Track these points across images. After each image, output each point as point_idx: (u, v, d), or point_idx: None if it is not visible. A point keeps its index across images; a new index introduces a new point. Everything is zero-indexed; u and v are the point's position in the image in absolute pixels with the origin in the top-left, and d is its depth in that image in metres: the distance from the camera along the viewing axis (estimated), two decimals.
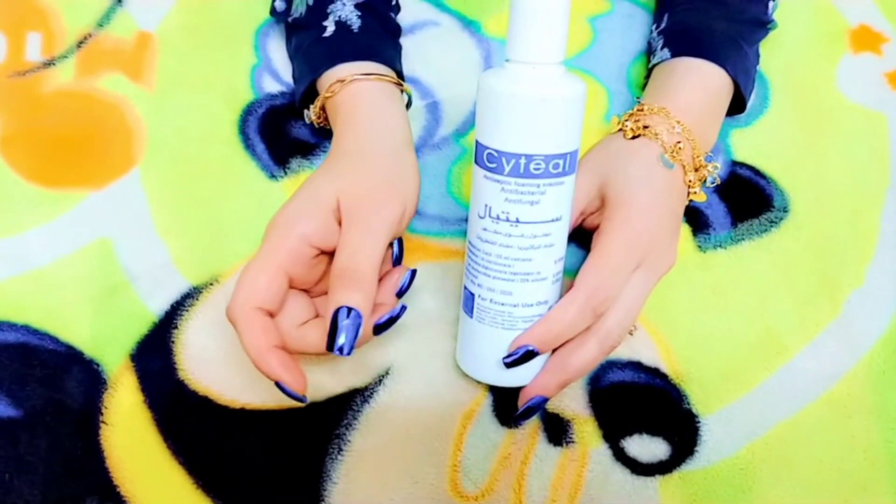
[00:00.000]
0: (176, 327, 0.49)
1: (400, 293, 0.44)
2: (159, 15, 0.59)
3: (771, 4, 0.53)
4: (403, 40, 0.55)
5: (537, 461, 0.47)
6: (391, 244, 0.45)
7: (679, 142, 0.47)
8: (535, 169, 0.39)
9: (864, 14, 0.62)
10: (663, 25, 0.53)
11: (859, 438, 0.48)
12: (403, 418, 0.47)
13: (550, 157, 0.39)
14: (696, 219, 0.53)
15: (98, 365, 0.48)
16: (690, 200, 0.49)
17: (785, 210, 0.54)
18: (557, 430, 0.47)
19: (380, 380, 0.48)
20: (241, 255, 0.51)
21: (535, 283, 0.42)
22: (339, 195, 0.42)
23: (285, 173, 0.54)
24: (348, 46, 0.50)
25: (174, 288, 0.50)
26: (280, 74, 0.57)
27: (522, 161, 0.39)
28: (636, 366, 0.49)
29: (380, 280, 0.43)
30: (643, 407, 0.48)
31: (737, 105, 0.53)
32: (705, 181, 0.49)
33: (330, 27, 0.50)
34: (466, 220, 0.52)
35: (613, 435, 0.48)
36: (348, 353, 0.39)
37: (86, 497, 0.45)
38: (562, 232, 0.42)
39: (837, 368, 0.50)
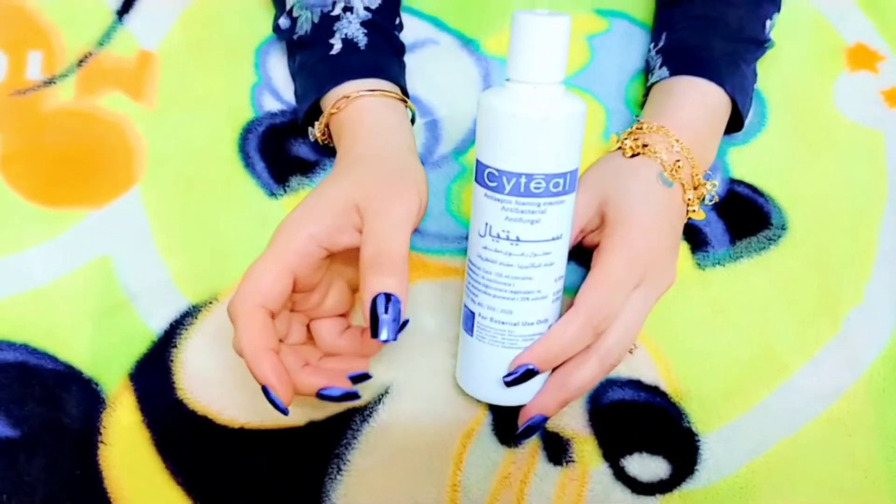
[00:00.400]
0: (175, 346, 0.49)
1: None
2: (160, 34, 0.59)
3: (768, 23, 0.54)
4: (403, 58, 0.55)
5: (537, 480, 0.46)
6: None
7: (678, 160, 0.47)
8: (536, 188, 0.39)
9: (861, 32, 0.62)
10: (661, 44, 0.54)
11: (860, 457, 0.48)
12: (403, 437, 0.47)
13: (551, 177, 0.39)
14: (694, 236, 0.53)
15: (97, 384, 0.48)
16: (689, 218, 0.49)
17: (783, 228, 0.54)
18: (557, 449, 0.47)
19: (379, 398, 0.48)
20: (240, 274, 0.50)
21: (535, 301, 0.42)
22: (356, 195, 0.42)
23: (285, 191, 0.54)
24: (355, 64, 0.50)
25: (174, 306, 0.50)
26: (280, 93, 0.58)
27: (523, 180, 0.39)
28: (636, 384, 0.49)
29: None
30: (643, 425, 0.48)
31: (735, 123, 0.53)
32: (704, 199, 0.49)
33: (337, 45, 0.50)
34: (466, 237, 0.52)
35: (613, 454, 0.47)
36: (394, 339, 0.39)
37: None
38: (562, 250, 0.42)
39: (837, 386, 0.50)
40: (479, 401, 0.47)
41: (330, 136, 0.51)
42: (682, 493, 0.46)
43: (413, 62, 0.57)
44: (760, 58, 0.54)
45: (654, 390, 0.49)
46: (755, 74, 0.54)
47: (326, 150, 0.55)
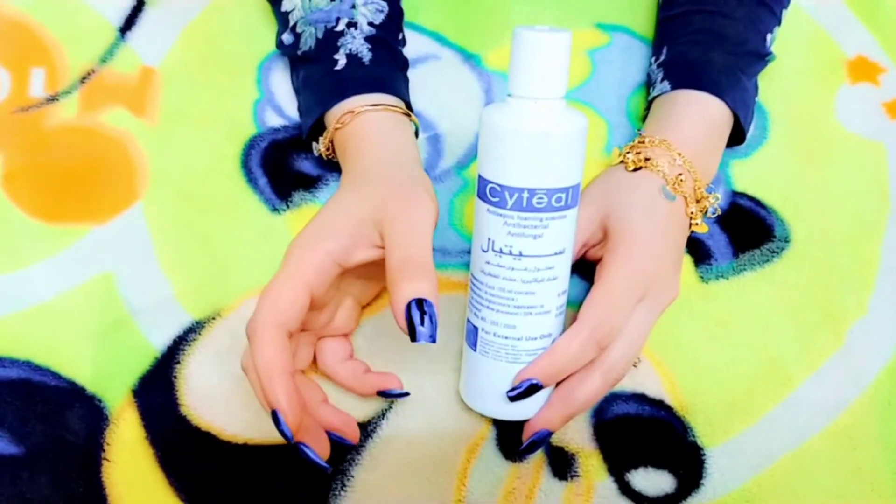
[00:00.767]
0: (178, 362, 0.49)
1: (382, 394, 0.46)
2: (163, 50, 0.60)
3: (769, 37, 0.54)
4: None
5: (542, 496, 0.46)
6: None
7: (681, 174, 0.47)
8: (538, 203, 0.39)
9: (861, 45, 0.62)
10: (663, 58, 0.54)
11: (865, 470, 0.48)
12: (407, 452, 0.47)
13: (553, 191, 0.39)
14: (697, 249, 0.53)
15: (100, 401, 0.48)
16: (692, 232, 0.49)
17: (786, 240, 0.54)
18: (562, 464, 0.47)
19: (383, 414, 0.48)
20: (243, 289, 0.51)
21: (538, 316, 0.42)
22: (371, 207, 0.42)
23: (288, 207, 0.54)
24: (359, 79, 0.50)
25: (176, 322, 0.50)
26: (283, 108, 0.58)
27: (525, 195, 0.39)
28: (640, 398, 0.49)
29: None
30: (648, 439, 0.48)
31: (736, 136, 0.53)
32: (707, 212, 0.49)
33: (341, 60, 0.51)
34: (469, 252, 0.52)
35: (618, 468, 0.47)
36: (433, 342, 0.39)
37: None
38: (565, 265, 0.42)
39: (842, 399, 0.49)
40: (482, 415, 0.47)
41: (334, 150, 0.51)
42: None
43: (415, 77, 0.57)
44: (761, 71, 0.54)
45: (659, 404, 0.49)
46: (756, 88, 0.54)
47: (329, 165, 0.55)
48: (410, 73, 0.56)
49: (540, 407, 0.44)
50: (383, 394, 0.46)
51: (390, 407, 0.48)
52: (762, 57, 0.54)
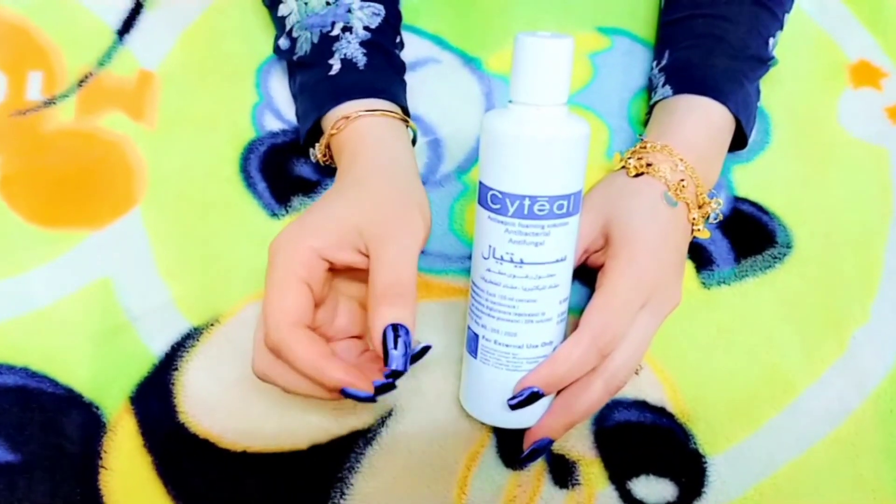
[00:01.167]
0: (176, 369, 0.49)
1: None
2: (161, 53, 0.59)
3: (771, 41, 0.53)
4: (405, 77, 0.55)
5: None
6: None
7: (682, 179, 0.47)
8: (540, 210, 0.39)
9: (864, 49, 0.62)
10: (664, 62, 0.54)
11: (868, 478, 0.47)
12: (407, 460, 0.47)
13: (555, 199, 0.39)
14: (699, 255, 0.53)
15: (98, 408, 0.47)
16: (694, 238, 0.48)
17: (788, 246, 0.54)
18: (563, 472, 0.47)
19: (382, 421, 0.47)
20: (242, 295, 0.51)
21: (539, 324, 0.42)
22: (358, 217, 0.42)
23: (287, 211, 0.54)
24: (354, 84, 0.50)
25: (175, 328, 0.50)
26: (282, 112, 0.57)
27: (527, 202, 0.39)
28: (642, 405, 0.49)
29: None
30: (649, 447, 0.48)
31: (738, 141, 0.53)
32: (708, 218, 0.49)
33: (336, 65, 0.50)
34: (469, 257, 0.51)
35: (620, 476, 0.47)
36: (404, 370, 0.39)
37: None
38: (566, 272, 0.42)
39: (844, 407, 0.49)
40: (483, 423, 0.47)
41: (331, 156, 0.50)
42: None
43: (415, 81, 0.57)
44: (764, 75, 0.54)
45: (661, 411, 0.49)
46: (759, 92, 0.54)
47: (328, 171, 0.54)
48: (410, 77, 0.56)
49: (541, 415, 0.44)
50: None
51: (390, 414, 0.48)
52: (764, 61, 0.53)
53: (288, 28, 0.53)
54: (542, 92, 0.38)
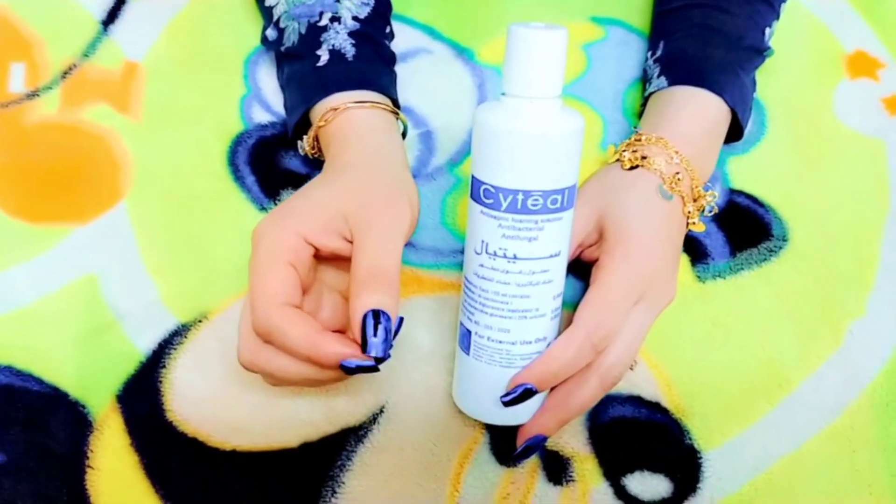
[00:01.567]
0: (164, 367, 0.48)
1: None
2: (146, 44, 0.58)
3: (767, 31, 0.53)
4: (396, 68, 0.54)
5: (537, 501, 0.46)
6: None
7: (678, 172, 0.46)
8: (533, 205, 0.38)
9: (861, 39, 0.61)
10: (659, 53, 0.53)
11: (864, 472, 0.47)
12: (399, 458, 0.46)
13: (549, 193, 0.38)
14: (694, 248, 0.53)
15: (84, 407, 0.47)
16: (689, 231, 0.48)
17: (784, 239, 0.53)
18: (557, 469, 0.46)
19: (374, 418, 0.47)
20: (230, 291, 0.50)
21: (533, 319, 0.41)
22: (344, 203, 0.41)
23: (275, 205, 0.53)
24: (342, 75, 0.49)
25: (162, 326, 0.49)
26: (270, 104, 0.56)
27: (520, 197, 0.38)
28: (636, 400, 0.48)
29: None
30: (644, 443, 0.47)
31: (734, 133, 0.52)
32: (704, 210, 0.48)
33: (324, 56, 0.49)
34: (461, 251, 0.51)
35: (614, 472, 0.47)
36: (385, 356, 0.38)
37: None
38: (560, 267, 0.41)
39: (840, 400, 0.49)
40: (476, 420, 0.46)
41: (320, 149, 0.50)
42: None
43: (406, 72, 0.56)
44: (760, 66, 0.53)
45: (655, 407, 0.48)
46: (754, 83, 0.53)
47: (317, 164, 0.53)
48: (401, 68, 0.55)
49: (534, 411, 0.44)
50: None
51: (381, 411, 0.47)
52: (760, 52, 0.53)
53: (275, 18, 0.52)
54: (536, 85, 0.38)
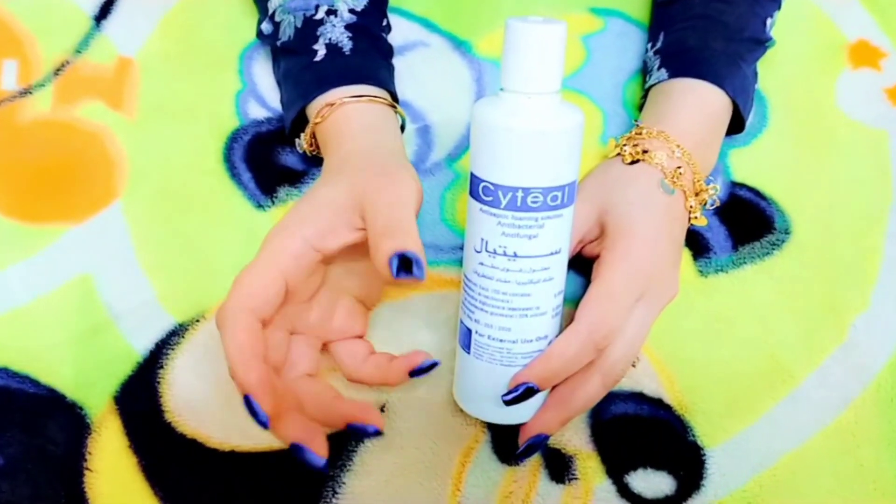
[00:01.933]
0: (162, 367, 0.47)
1: (414, 373, 0.43)
2: (140, 40, 0.57)
3: (769, 22, 0.52)
4: (393, 62, 0.53)
5: (539, 499, 0.45)
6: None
7: (679, 166, 0.45)
8: (533, 202, 0.38)
9: (863, 29, 0.61)
10: (659, 45, 0.52)
11: (869, 468, 0.47)
12: (400, 458, 0.46)
13: (549, 190, 0.38)
14: (696, 242, 0.52)
15: (81, 408, 0.46)
16: (691, 225, 0.47)
17: (787, 232, 0.53)
18: (560, 467, 0.46)
19: None
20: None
21: (534, 318, 0.41)
22: (352, 191, 0.41)
23: (273, 202, 0.52)
24: (339, 70, 0.48)
25: (159, 326, 0.48)
26: (266, 100, 0.56)
27: (520, 194, 0.38)
28: (639, 397, 0.48)
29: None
30: (647, 440, 0.47)
31: (735, 125, 0.51)
32: (705, 204, 0.48)
33: (321, 51, 0.49)
34: (461, 248, 0.50)
35: (617, 470, 0.46)
36: (422, 278, 0.37)
37: None
38: (561, 265, 0.41)
39: (844, 395, 0.48)
40: (477, 419, 0.46)
41: (317, 146, 0.49)
42: None
43: (403, 65, 0.56)
44: (761, 57, 0.52)
45: (658, 403, 0.48)
46: (755, 74, 0.53)
47: (315, 160, 0.53)
48: (398, 62, 0.55)
49: (536, 410, 0.43)
50: (416, 372, 0.43)
51: (382, 411, 0.47)
52: (762, 43, 0.52)
53: (271, 11, 0.51)
54: (535, 80, 0.37)
